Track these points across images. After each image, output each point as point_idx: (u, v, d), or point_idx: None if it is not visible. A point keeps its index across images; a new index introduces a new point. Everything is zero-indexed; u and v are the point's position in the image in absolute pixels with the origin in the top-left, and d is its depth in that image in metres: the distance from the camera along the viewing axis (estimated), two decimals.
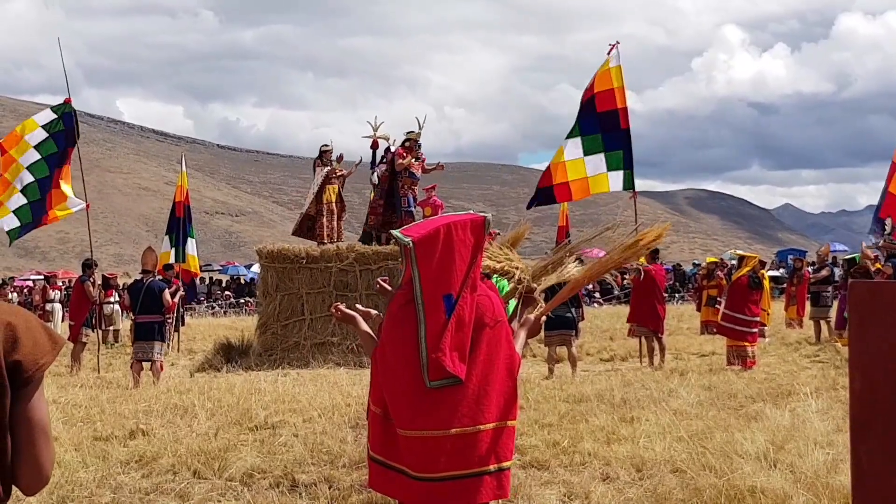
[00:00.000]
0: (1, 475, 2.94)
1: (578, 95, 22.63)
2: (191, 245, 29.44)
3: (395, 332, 5.66)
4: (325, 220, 24.71)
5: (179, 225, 29.38)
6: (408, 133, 25.00)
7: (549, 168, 22.27)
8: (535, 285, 6.68)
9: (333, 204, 24.82)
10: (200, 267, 33.17)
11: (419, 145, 24.96)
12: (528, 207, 23.08)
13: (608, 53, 21.97)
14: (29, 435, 3.01)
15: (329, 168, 24.87)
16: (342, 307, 6.21)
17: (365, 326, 6.15)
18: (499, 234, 9.30)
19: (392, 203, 24.88)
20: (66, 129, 22.06)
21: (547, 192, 22.34)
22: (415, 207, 24.67)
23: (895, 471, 3.07)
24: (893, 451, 3.07)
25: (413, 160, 24.65)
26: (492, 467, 5.59)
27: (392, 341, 5.66)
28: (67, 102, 22.44)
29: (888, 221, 18.85)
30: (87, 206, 22.32)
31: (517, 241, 7.20)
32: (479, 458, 5.52)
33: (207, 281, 63.70)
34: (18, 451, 3.00)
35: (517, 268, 6.64)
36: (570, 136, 21.95)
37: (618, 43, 22.03)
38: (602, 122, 21.63)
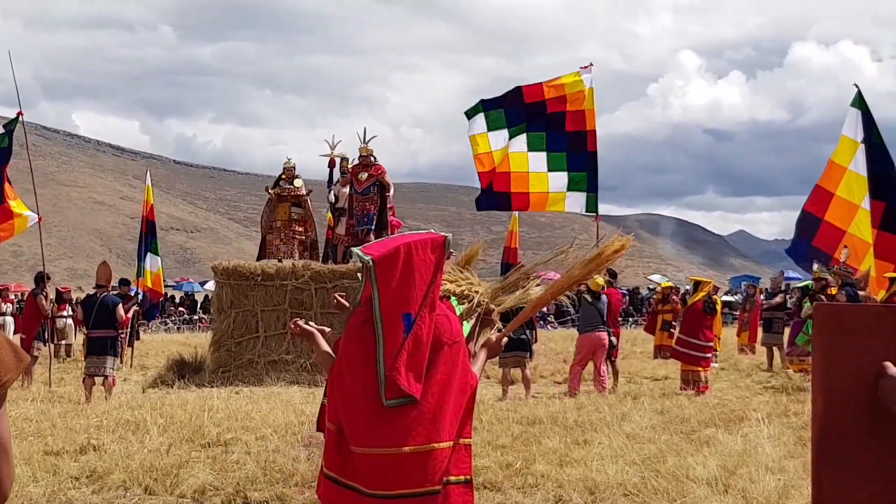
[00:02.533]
0: None
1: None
2: (151, 261, 29.14)
3: (352, 349, 5.66)
4: (276, 238, 24.81)
5: (142, 240, 29.24)
6: (360, 149, 25.01)
7: (509, 173, 22.11)
8: (493, 307, 6.70)
9: (285, 222, 24.89)
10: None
11: (373, 157, 24.92)
12: (479, 209, 23.08)
13: (583, 75, 21.97)
14: None
15: (278, 188, 25.06)
16: (301, 323, 6.21)
17: (322, 343, 6.15)
18: (453, 253, 9.33)
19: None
20: (8, 145, 21.76)
21: (504, 197, 22.29)
22: (373, 224, 24.63)
23: (857, 496, 3.10)
24: (855, 475, 3.09)
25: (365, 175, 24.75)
26: (450, 478, 5.60)
27: (349, 359, 5.65)
28: (19, 115, 22.14)
29: (844, 251, 18.96)
30: (40, 219, 22.12)
31: (470, 260, 7.20)
32: (433, 477, 5.52)
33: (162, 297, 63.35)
34: None
35: (477, 291, 6.65)
36: (535, 148, 21.86)
37: (591, 65, 22.12)
38: (570, 142, 21.65)
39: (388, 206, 24.89)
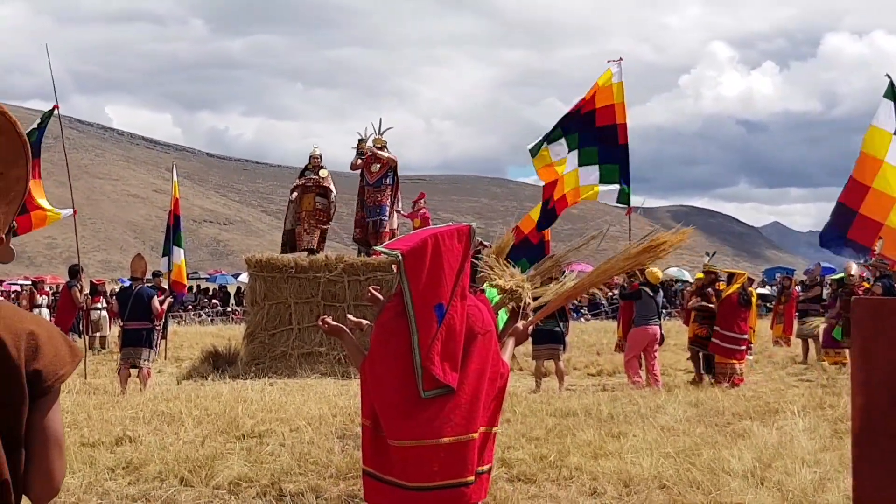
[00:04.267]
0: (14, 485, 2.93)
1: (566, 110, 22.53)
2: (177, 254, 29.14)
3: (385, 343, 5.66)
4: (301, 228, 24.78)
5: (169, 233, 29.26)
6: (373, 140, 25.02)
7: (550, 184, 22.03)
8: (529, 300, 6.69)
9: (309, 212, 24.84)
10: (187, 275, 32.83)
11: (384, 147, 24.91)
12: (540, 230, 22.94)
13: (613, 69, 21.87)
14: (43, 446, 3.00)
15: (305, 179, 25.01)
16: (329, 320, 6.20)
17: (352, 339, 6.14)
18: (488, 245, 9.31)
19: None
20: (38, 140, 21.84)
21: (551, 212, 22.22)
22: (386, 216, 24.61)
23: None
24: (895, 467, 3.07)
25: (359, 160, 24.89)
26: (480, 469, 5.63)
27: (382, 353, 5.66)
28: (55, 109, 22.25)
29: (879, 242, 18.82)
30: (75, 212, 22.20)
31: (503, 251, 7.19)
32: (470, 467, 5.54)
33: (195, 289, 63.57)
34: (32, 461, 2.99)
35: (523, 286, 6.64)
36: (571, 148, 21.81)
37: (621, 59, 22.01)
38: (600, 136, 21.56)
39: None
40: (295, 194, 25.21)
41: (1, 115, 2.94)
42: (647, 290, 19.80)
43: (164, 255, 28.96)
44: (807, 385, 19.52)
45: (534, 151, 22.00)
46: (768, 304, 41.27)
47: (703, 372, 20.62)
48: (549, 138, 21.86)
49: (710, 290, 21.01)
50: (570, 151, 21.76)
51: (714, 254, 22.08)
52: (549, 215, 22.23)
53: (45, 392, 2.96)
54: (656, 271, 19.64)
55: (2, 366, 2.87)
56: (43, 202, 21.44)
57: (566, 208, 22.79)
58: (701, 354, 20.77)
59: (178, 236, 28.88)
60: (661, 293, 20.16)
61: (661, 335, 20.23)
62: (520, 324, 6.39)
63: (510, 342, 6.24)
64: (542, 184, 22.41)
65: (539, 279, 7.03)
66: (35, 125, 21.87)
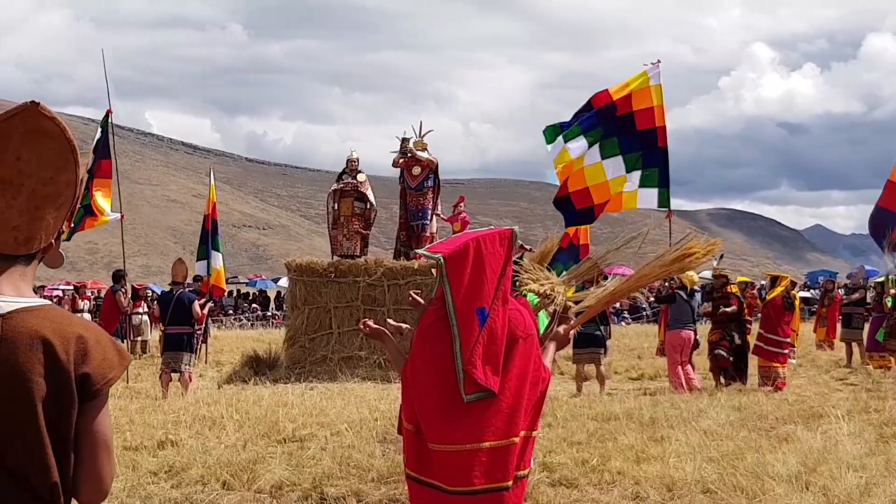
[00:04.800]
0: (63, 488, 2.94)
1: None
2: (216, 259, 29.13)
3: (426, 347, 5.64)
4: (340, 233, 24.77)
5: (208, 238, 29.26)
6: (414, 143, 25.03)
7: (587, 188, 21.87)
8: (570, 304, 6.66)
9: (347, 217, 24.82)
10: (227, 280, 32.87)
11: (425, 149, 24.95)
12: (567, 225, 22.80)
13: (649, 71, 21.73)
14: (92, 449, 3.01)
15: (342, 183, 25.00)
16: (370, 323, 6.18)
17: (393, 343, 6.13)
18: (530, 250, 9.26)
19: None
20: (102, 140, 22.15)
21: (587, 211, 22.04)
22: (428, 219, 24.64)
23: None
24: None
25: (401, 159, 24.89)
26: (520, 473, 5.61)
27: (423, 357, 5.64)
28: (109, 113, 22.52)
29: None
30: (122, 216, 22.37)
31: (546, 256, 7.16)
32: (511, 471, 5.51)
33: (235, 294, 63.84)
34: (80, 464, 3.00)
35: (559, 291, 6.60)
36: (609, 154, 21.61)
37: (659, 61, 21.89)
38: (642, 140, 21.40)
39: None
40: (333, 201, 25.20)
41: (50, 120, 2.95)
42: (682, 293, 19.67)
43: (199, 260, 28.89)
44: (851, 389, 19.38)
45: (548, 136, 21.86)
46: (811, 308, 41.03)
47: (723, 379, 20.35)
48: (568, 135, 21.71)
49: (750, 292, 20.86)
50: (590, 147, 21.60)
51: (722, 257, 21.85)
52: (581, 215, 22.08)
53: (93, 395, 2.98)
54: (692, 275, 19.52)
55: (51, 369, 2.88)
56: (104, 205, 21.73)
57: (603, 212, 22.65)
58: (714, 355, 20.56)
59: (217, 241, 28.86)
60: (697, 297, 19.99)
61: (696, 339, 20.06)
62: (560, 328, 6.36)
63: (551, 346, 6.21)
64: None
65: (576, 282, 7.00)
66: (99, 134, 22.24)
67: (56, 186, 2.99)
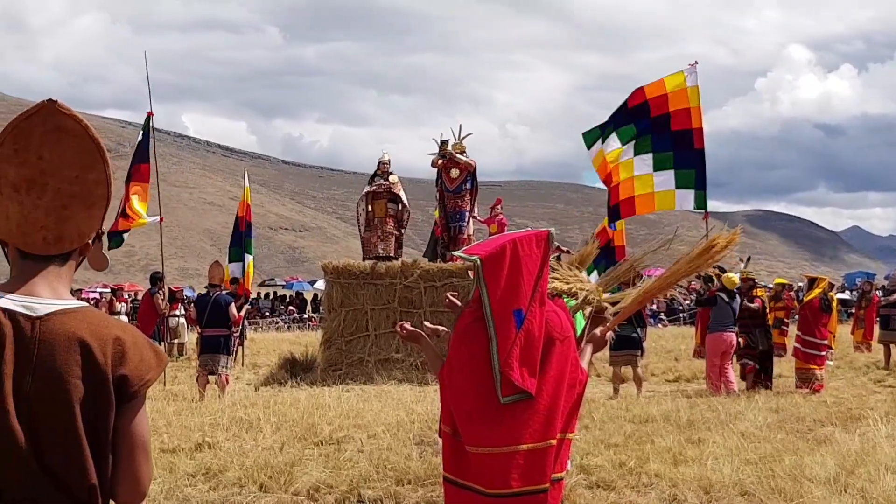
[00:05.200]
0: (101, 490, 2.95)
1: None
2: (247, 261, 29.05)
3: (463, 349, 5.65)
4: (374, 235, 24.74)
5: (240, 240, 29.23)
6: (453, 146, 25.03)
7: (617, 185, 21.85)
8: (605, 304, 6.65)
9: (382, 219, 24.81)
10: (264, 282, 32.93)
11: (463, 152, 24.97)
12: (611, 222, 22.72)
13: (687, 73, 21.65)
14: (130, 450, 3.04)
15: (375, 185, 24.99)
16: (408, 325, 6.19)
17: (430, 345, 6.13)
18: (567, 252, 9.26)
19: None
20: (143, 143, 22.23)
21: (614, 209, 22.03)
22: (466, 222, 24.66)
23: None
24: None
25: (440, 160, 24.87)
26: (556, 476, 5.61)
27: (460, 359, 5.64)
28: (150, 116, 22.59)
29: None
30: (161, 219, 22.43)
31: (585, 260, 7.16)
32: (548, 473, 5.50)
33: (272, 296, 64.02)
34: (118, 466, 3.02)
35: (584, 288, 6.59)
36: (640, 151, 21.58)
37: (696, 63, 21.84)
38: (675, 141, 21.33)
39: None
40: (364, 203, 25.19)
41: (70, 118, 2.98)
42: (723, 296, 19.52)
43: (231, 262, 28.87)
44: (889, 391, 19.28)
45: (588, 141, 21.86)
46: (849, 310, 40.76)
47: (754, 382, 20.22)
48: (604, 138, 21.70)
49: (788, 294, 20.75)
50: (624, 144, 21.55)
51: (749, 259, 21.71)
52: (613, 212, 22.05)
53: (131, 397, 3.00)
54: (733, 277, 19.43)
55: (89, 371, 2.90)
56: (139, 209, 21.76)
57: (634, 214, 22.58)
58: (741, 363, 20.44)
59: (249, 243, 28.82)
60: (738, 299, 19.85)
61: (738, 342, 19.92)
62: (597, 330, 6.36)
63: (588, 348, 6.21)
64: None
65: (613, 284, 6.99)
66: (140, 136, 22.31)
67: (83, 185, 3.01)
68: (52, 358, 2.87)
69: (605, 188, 22.04)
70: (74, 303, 3.00)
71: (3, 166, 2.95)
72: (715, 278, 19.62)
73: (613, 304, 6.77)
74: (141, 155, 22.09)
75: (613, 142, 21.53)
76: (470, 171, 24.87)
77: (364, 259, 24.56)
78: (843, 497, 9.41)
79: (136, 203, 21.76)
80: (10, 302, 2.91)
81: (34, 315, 2.90)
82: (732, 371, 19.63)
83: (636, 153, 21.54)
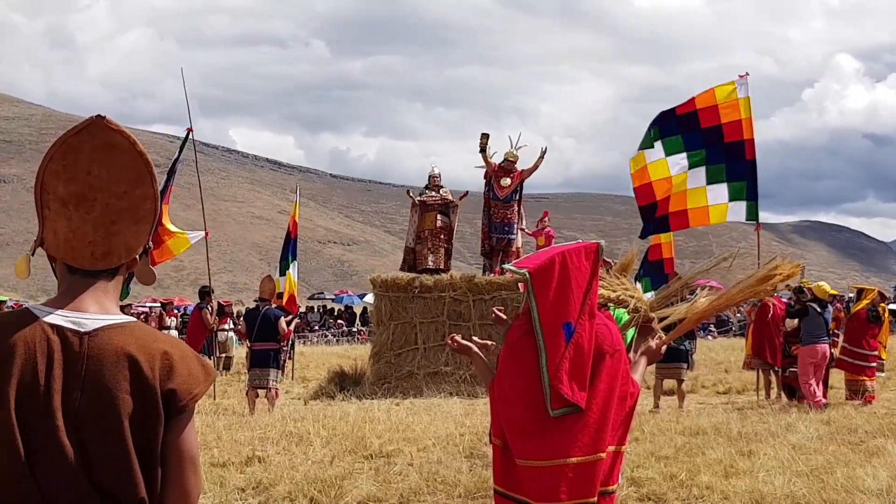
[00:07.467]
0: (150, 503, 2.98)
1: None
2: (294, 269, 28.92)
3: (513, 362, 5.65)
4: (425, 247, 24.70)
5: (288, 254, 29.19)
6: (506, 154, 24.97)
7: (667, 197, 21.70)
8: (652, 315, 6.64)
9: (432, 231, 24.77)
10: (313, 295, 32.99)
11: (516, 162, 24.92)
12: (642, 237, 22.68)
13: (738, 84, 21.53)
14: (179, 464, 3.05)
15: (426, 196, 24.95)
16: (458, 338, 6.20)
17: (481, 357, 6.14)
18: (611, 263, 9.24)
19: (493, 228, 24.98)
20: (174, 165, 22.20)
21: (662, 220, 21.91)
22: (515, 234, 24.61)
23: None
24: None
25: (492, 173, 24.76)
26: (607, 489, 5.60)
27: (510, 372, 5.65)
28: (189, 132, 22.54)
29: None
30: (207, 234, 22.44)
31: (626, 268, 7.14)
32: (596, 486, 5.50)
33: (321, 310, 64.20)
34: (167, 480, 3.03)
35: (632, 296, 6.59)
36: (694, 165, 21.43)
37: (747, 74, 21.74)
38: (727, 152, 21.22)
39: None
40: (415, 214, 25.18)
41: (118, 133, 3.01)
42: (815, 306, 19.15)
43: (281, 275, 28.90)
44: None
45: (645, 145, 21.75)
46: None
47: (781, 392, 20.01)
48: (644, 143, 21.56)
49: (837, 305, 20.55)
50: (668, 155, 21.40)
51: (804, 270, 21.35)
52: (657, 224, 21.91)
53: (179, 411, 3.01)
54: (825, 286, 19.24)
55: (137, 385, 2.93)
56: (171, 227, 21.68)
57: (687, 227, 22.45)
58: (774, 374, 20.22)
59: (290, 258, 28.77)
60: (830, 309, 19.50)
61: (832, 353, 19.52)
62: (652, 343, 6.35)
63: (642, 361, 6.20)
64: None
65: (667, 302, 6.97)
66: (177, 154, 22.26)
67: (131, 200, 3.04)
68: (100, 373, 2.90)
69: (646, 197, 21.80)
70: (122, 318, 3.02)
71: (52, 182, 2.99)
72: (805, 289, 19.39)
73: (662, 318, 6.75)
74: (169, 174, 22.01)
75: (658, 152, 21.41)
76: (522, 180, 24.80)
77: (409, 270, 24.54)
78: None
79: (168, 224, 21.62)
80: (59, 318, 2.93)
81: (82, 331, 2.93)
82: (822, 385, 19.27)
83: (690, 167, 21.41)
